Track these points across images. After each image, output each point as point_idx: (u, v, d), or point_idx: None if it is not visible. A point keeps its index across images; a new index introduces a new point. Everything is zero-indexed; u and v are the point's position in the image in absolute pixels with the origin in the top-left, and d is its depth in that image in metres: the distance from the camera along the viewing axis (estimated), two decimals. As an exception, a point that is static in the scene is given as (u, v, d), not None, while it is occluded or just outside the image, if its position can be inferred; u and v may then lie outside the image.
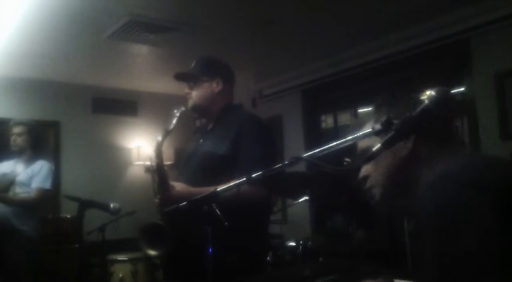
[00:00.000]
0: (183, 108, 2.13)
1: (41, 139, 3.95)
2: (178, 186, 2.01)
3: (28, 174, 3.70)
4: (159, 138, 2.05)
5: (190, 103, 2.21)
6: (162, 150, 2.06)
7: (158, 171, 2.01)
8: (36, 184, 3.70)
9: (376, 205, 1.21)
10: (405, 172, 1.14)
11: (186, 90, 2.23)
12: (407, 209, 1.25)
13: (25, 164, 3.74)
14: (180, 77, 2.27)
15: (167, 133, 2.06)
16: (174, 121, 2.09)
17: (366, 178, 1.21)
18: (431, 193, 0.98)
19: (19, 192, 3.65)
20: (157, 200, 2.00)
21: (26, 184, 3.68)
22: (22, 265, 3.58)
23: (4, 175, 3.67)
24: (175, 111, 2.11)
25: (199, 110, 2.23)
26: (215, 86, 2.19)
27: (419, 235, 1.03)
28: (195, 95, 2.19)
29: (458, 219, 0.91)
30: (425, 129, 1.08)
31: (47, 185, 3.76)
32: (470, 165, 1.05)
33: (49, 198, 4.09)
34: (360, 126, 1.24)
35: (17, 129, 3.77)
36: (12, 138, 3.76)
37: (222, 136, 2.07)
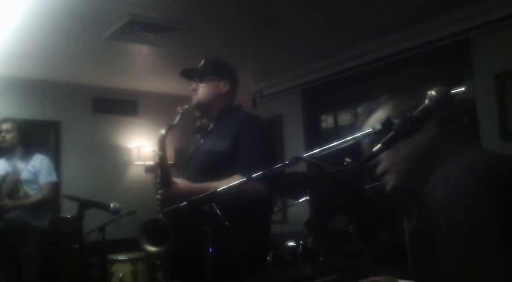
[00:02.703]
0: (186, 106, 2.14)
1: (31, 137, 3.90)
2: (180, 182, 2.01)
3: (31, 171, 3.69)
4: (163, 131, 2.03)
5: (195, 100, 2.21)
6: (166, 144, 2.06)
7: (161, 165, 2.01)
8: (43, 179, 3.71)
9: (391, 191, 1.17)
10: (430, 156, 1.10)
11: (193, 86, 2.22)
12: (415, 197, 1.20)
13: (21, 161, 3.71)
14: (187, 74, 2.27)
15: (170, 127, 2.06)
16: (178, 117, 2.09)
17: (378, 163, 1.16)
18: (460, 185, 0.96)
19: (27, 190, 3.65)
20: (158, 196, 1.99)
21: (33, 181, 3.68)
22: (38, 261, 3.59)
23: (6, 175, 3.65)
24: (179, 108, 2.11)
25: (203, 108, 2.24)
26: (222, 87, 2.21)
27: (431, 227, 0.99)
28: (201, 92, 2.19)
29: (489, 214, 0.90)
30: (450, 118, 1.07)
31: (54, 177, 3.82)
32: (497, 159, 1.04)
33: (58, 189, 4.17)
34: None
35: (5, 126, 3.71)
36: (1, 135, 3.70)
37: (223, 135, 2.09)
